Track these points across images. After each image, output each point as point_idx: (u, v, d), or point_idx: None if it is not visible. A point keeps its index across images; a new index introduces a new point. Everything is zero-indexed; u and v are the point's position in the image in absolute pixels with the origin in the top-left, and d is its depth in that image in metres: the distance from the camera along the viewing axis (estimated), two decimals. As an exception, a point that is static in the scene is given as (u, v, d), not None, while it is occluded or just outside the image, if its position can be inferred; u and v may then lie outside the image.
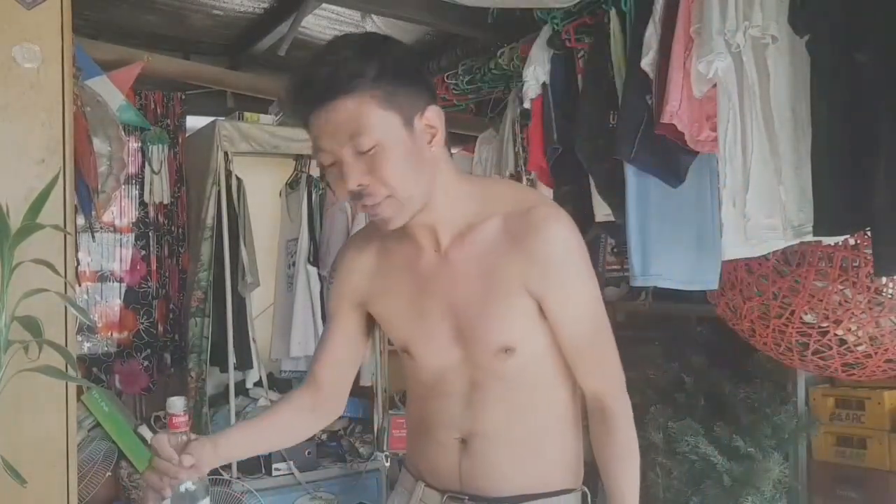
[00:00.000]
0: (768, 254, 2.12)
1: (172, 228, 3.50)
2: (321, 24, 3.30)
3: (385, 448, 3.38)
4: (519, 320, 1.18)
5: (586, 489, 1.29)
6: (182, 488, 1.14)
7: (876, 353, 2.17)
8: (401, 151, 1.08)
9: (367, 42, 1.09)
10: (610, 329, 1.23)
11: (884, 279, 2.08)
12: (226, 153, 3.14)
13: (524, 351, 1.19)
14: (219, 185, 3.14)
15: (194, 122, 3.57)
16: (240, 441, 1.29)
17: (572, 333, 1.20)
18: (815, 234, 1.81)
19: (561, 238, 1.15)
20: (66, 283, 1.80)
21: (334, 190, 1.13)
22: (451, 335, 1.21)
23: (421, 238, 1.21)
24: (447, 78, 3.25)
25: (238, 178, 3.30)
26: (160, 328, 3.44)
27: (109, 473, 2.94)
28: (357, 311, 1.32)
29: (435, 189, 1.15)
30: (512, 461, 1.23)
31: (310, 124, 1.09)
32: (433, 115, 1.13)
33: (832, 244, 2.08)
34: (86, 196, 2.44)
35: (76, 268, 2.74)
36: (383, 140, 1.06)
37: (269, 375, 3.45)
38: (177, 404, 1.16)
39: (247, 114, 3.27)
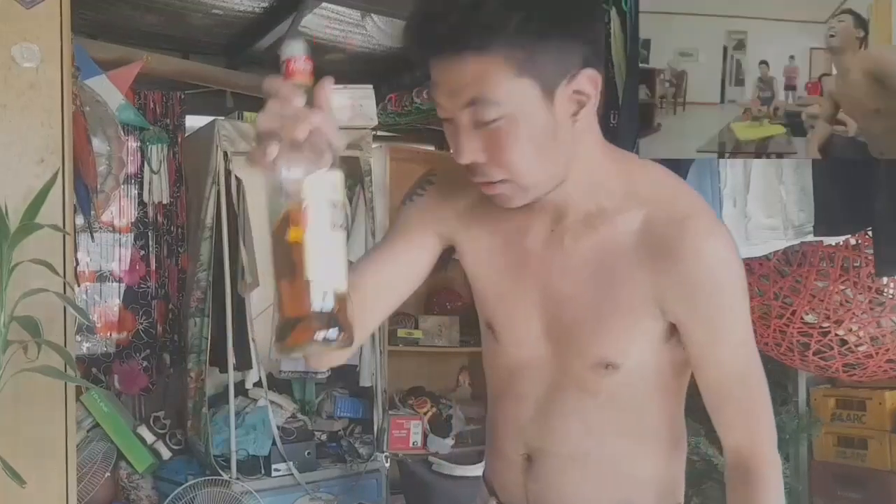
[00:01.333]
0: (769, 254, 2.12)
1: (172, 228, 3.49)
2: (321, 23, 3.29)
3: (385, 449, 3.37)
4: (635, 338, 0.98)
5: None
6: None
7: (877, 354, 2.17)
8: (531, 129, 0.87)
9: None
10: (763, 376, 1.01)
11: (885, 279, 2.08)
12: (225, 153, 3.13)
13: (629, 371, 0.99)
14: (218, 184, 3.13)
15: (194, 121, 3.56)
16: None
17: (715, 375, 0.99)
18: (816, 233, 1.81)
19: (721, 260, 0.95)
20: (64, 283, 1.80)
21: (452, 151, 0.92)
22: (541, 329, 1.02)
23: (538, 210, 0.99)
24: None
25: (238, 178, 3.30)
26: (159, 328, 3.44)
27: (108, 473, 2.94)
28: (436, 241, 1.07)
29: (571, 169, 0.93)
30: (591, 489, 1.05)
31: (431, 66, 0.88)
32: (586, 81, 0.88)
33: (833, 244, 2.08)
34: (85, 196, 2.44)
35: (75, 268, 2.73)
36: (512, 113, 0.86)
37: (269, 376, 3.44)
38: (295, 47, 0.87)
39: (246, 113, 3.26)
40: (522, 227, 1.01)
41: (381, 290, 1.06)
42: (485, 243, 1.05)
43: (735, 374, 0.99)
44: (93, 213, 2.79)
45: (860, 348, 2.18)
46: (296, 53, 0.88)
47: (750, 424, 1.02)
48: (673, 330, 0.98)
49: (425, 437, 3.64)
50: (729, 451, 1.03)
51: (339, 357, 1.07)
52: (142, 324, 3.40)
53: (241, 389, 3.28)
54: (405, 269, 1.08)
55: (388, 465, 3.38)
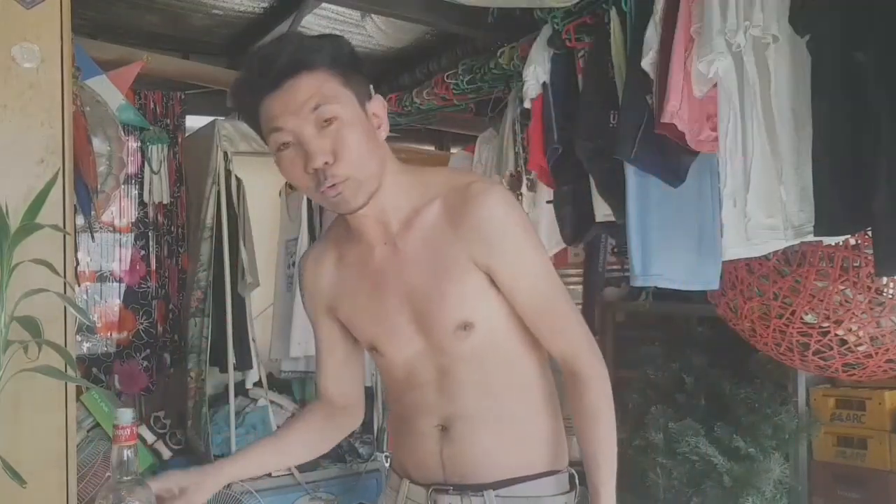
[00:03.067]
0: (769, 254, 2.12)
1: (172, 228, 3.49)
2: (321, 23, 3.29)
3: (385, 448, 3.37)
4: (473, 295, 1.18)
5: (573, 470, 1.27)
6: None
7: (877, 354, 2.17)
8: (360, 129, 1.12)
9: (312, 34, 1.18)
10: (566, 292, 1.23)
11: (884, 279, 2.08)
12: (225, 153, 3.14)
13: (483, 326, 1.19)
14: (218, 184, 3.14)
15: (194, 121, 3.57)
16: (254, 463, 1.32)
17: (526, 300, 1.20)
18: (816, 234, 1.81)
19: (499, 208, 1.16)
20: (65, 283, 1.80)
21: (290, 175, 1.14)
22: (411, 325, 1.22)
23: (371, 232, 1.22)
24: (447, 78, 3.25)
25: (238, 178, 3.30)
26: (160, 328, 3.44)
27: (109, 474, 2.94)
28: (333, 318, 1.33)
29: (385, 173, 1.17)
30: (492, 443, 1.22)
31: (264, 108, 1.10)
32: (378, 105, 1.17)
33: (833, 244, 2.08)
34: (85, 196, 2.44)
35: (75, 268, 2.74)
36: (344, 115, 1.10)
37: (269, 375, 3.45)
38: (124, 416, 1.13)
39: (247, 113, 3.26)
40: (366, 255, 1.24)
41: (343, 375, 1.38)
42: (348, 288, 1.28)
43: (541, 294, 1.20)
44: (93, 213, 2.79)
45: (860, 348, 2.18)
46: (123, 422, 1.11)
47: (566, 334, 1.22)
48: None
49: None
50: (560, 363, 1.24)
51: (349, 430, 1.46)
52: (142, 324, 3.40)
53: (241, 389, 3.29)
54: (341, 350, 1.36)
55: (388, 464, 3.37)
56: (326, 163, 1.09)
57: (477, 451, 1.22)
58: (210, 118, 3.32)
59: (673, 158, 2.01)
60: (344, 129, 1.09)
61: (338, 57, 1.12)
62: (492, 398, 1.22)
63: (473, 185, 1.18)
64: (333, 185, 1.10)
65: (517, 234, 1.18)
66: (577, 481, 1.26)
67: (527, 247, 1.19)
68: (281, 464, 1.49)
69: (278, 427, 3.19)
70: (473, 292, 1.18)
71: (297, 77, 1.08)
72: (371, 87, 1.18)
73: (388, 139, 1.21)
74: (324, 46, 1.11)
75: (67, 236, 1.85)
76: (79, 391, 2.73)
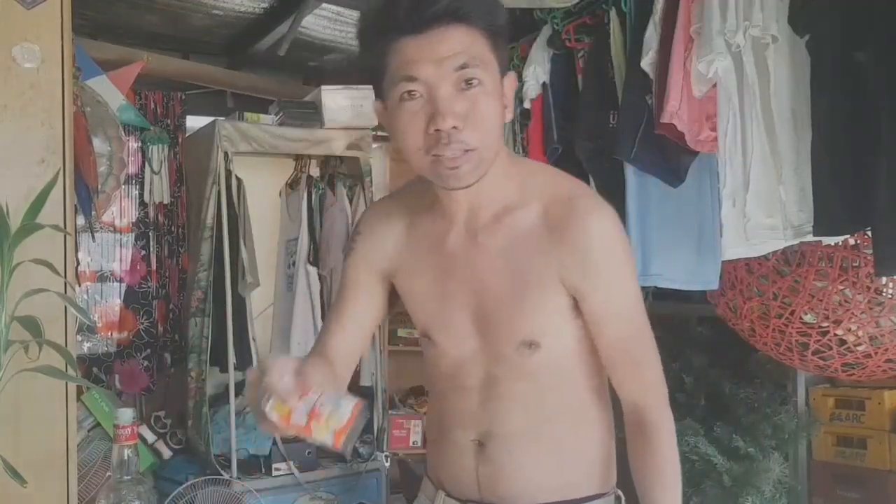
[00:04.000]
0: (768, 254, 2.12)
1: (172, 228, 3.50)
2: (321, 23, 3.30)
3: (385, 448, 3.38)
4: (548, 315, 1.09)
5: (619, 492, 1.18)
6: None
7: (876, 353, 2.17)
8: (497, 100, 1.02)
9: None
10: (652, 335, 1.13)
11: (884, 279, 2.08)
12: (226, 153, 3.14)
13: (550, 348, 1.10)
14: (219, 185, 3.13)
15: (194, 122, 3.57)
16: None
17: (611, 334, 1.10)
18: (816, 234, 1.81)
19: (604, 231, 1.07)
20: (65, 283, 1.80)
21: (405, 129, 1.01)
22: (471, 323, 1.12)
23: (455, 213, 1.11)
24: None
25: (238, 178, 3.30)
26: (160, 328, 3.44)
27: (109, 474, 2.94)
28: (380, 281, 1.21)
29: (496, 159, 1.06)
30: (533, 466, 1.13)
31: (400, 49, 0.99)
32: (511, 84, 1.07)
33: (832, 244, 2.08)
34: (85, 196, 2.44)
35: (76, 268, 2.74)
36: (487, 82, 0.99)
37: (269, 375, 3.44)
38: (124, 416, 1.15)
39: (247, 114, 3.27)
40: (441, 234, 1.13)
41: (354, 339, 1.23)
42: (414, 262, 1.17)
43: (627, 331, 1.11)
44: (94, 213, 2.80)
45: (859, 348, 2.18)
46: (123, 421, 1.13)
47: (643, 378, 1.13)
48: (577, 305, 1.10)
49: (425, 436, 3.65)
50: (626, 405, 1.14)
51: None
52: (142, 323, 3.40)
53: (241, 389, 3.28)
54: (370, 312, 1.24)
55: (388, 464, 3.38)
56: (455, 127, 0.98)
57: (516, 473, 1.13)
58: (210, 118, 3.32)
59: (673, 158, 2.01)
60: (483, 95, 0.99)
61: (495, 18, 1.01)
62: (537, 418, 1.13)
63: (581, 200, 1.08)
64: (453, 154, 0.99)
65: (619, 264, 1.09)
66: (623, 503, 1.18)
67: (625, 279, 1.10)
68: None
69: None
70: (551, 311, 1.09)
71: (450, 27, 0.97)
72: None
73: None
74: (484, 3, 1.00)
75: (68, 236, 1.85)
76: (79, 391, 2.73)
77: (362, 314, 1.23)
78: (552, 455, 1.14)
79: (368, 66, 1.05)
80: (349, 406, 0.95)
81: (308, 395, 0.92)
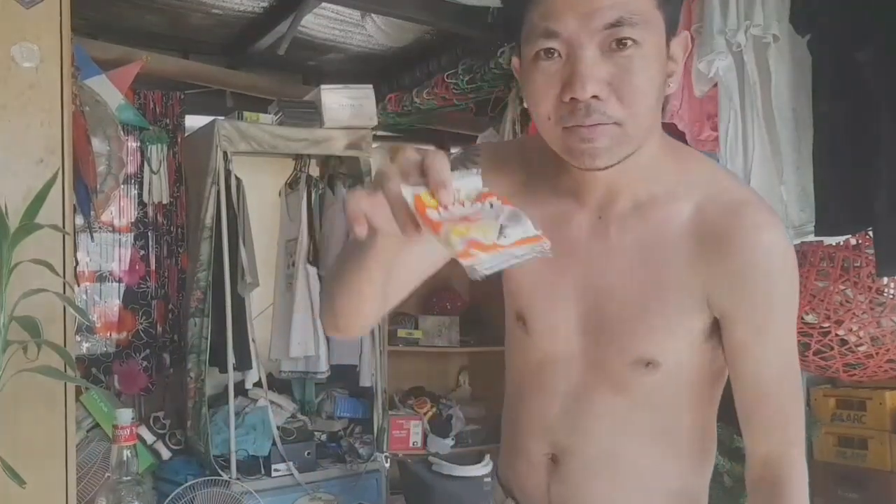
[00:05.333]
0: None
1: (171, 228, 3.49)
2: (321, 23, 3.29)
3: (385, 449, 3.37)
4: (680, 334, 0.93)
5: None
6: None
7: (877, 354, 2.16)
8: (654, 68, 0.83)
9: None
10: (800, 382, 0.97)
11: (885, 279, 2.08)
12: (225, 153, 3.13)
13: (667, 370, 0.94)
14: (218, 184, 3.13)
15: (193, 121, 3.57)
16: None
17: (756, 372, 0.93)
18: (817, 233, 1.81)
19: (777, 252, 0.89)
20: (64, 284, 1.80)
21: (536, 91, 0.84)
22: (578, 321, 0.96)
23: (587, 194, 0.93)
24: (447, 77, 3.25)
25: (237, 178, 3.30)
26: (159, 328, 3.44)
27: (108, 474, 2.93)
28: None
29: (647, 140, 0.87)
30: (618, 495, 0.99)
31: None
32: (680, 47, 0.87)
33: (833, 244, 2.08)
34: (84, 196, 2.44)
35: (75, 268, 2.73)
36: (646, 43, 0.81)
37: (269, 376, 3.44)
38: (123, 416, 1.06)
39: (246, 113, 3.26)
40: (567, 214, 0.95)
41: (405, 286, 0.96)
42: None
43: (777, 375, 0.93)
44: (92, 213, 2.80)
45: (860, 348, 2.18)
46: (123, 422, 1.07)
47: (787, 428, 0.95)
48: (715, 327, 0.93)
49: (425, 437, 3.65)
50: (755, 458, 0.97)
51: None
52: (142, 324, 3.40)
53: (240, 389, 3.29)
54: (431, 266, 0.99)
55: (388, 465, 3.38)
56: (596, 96, 0.80)
57: (592, 499, 0.99)
58: (209, 118, 3.31)
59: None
60: (639, 60, 0.80)
61: None
62: (626, 444, 0.98)
63: (749, 207, 0.89)
64: (593, 125, 0.81)
65: (784, 291, 0.91)
66: None
67: (787, 310, 0.93)
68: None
69: (278, 427, 3.19)
70: (682, 331, 0.92)
71: None
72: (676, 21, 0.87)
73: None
74: None
75: (67, 236, 1.84)
76: (78, 391, 2.73)
77: (428, 264, 0.96)
78: (635, 483, 0.99)
79: (506, 14, 0.93)
80: (530, 228, 0.67)
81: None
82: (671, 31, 0.85)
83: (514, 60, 0.92)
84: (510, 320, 1.05)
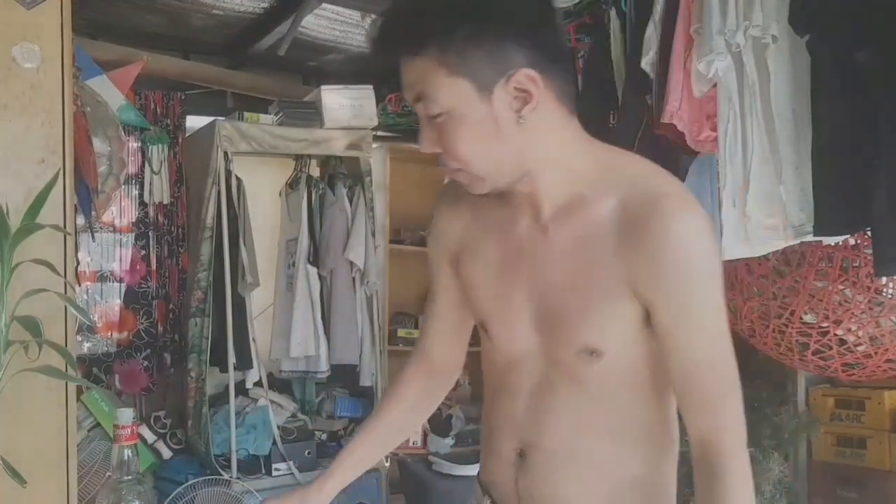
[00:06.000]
0: (768, 254, 2.12)
1: (172, 228, 3.49)
2: (321, 23, 3.29)
3: (385, 448, 3.37)
4: (616, 323, 0.98)
5: None
6: None
7: (876, 353, 2.17)
8: (471, 125, 0.92)
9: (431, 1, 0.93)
10: (734, 366, 1.00)
11: (884, 279, 2.09)
12: (226, 153, 3.14)
13: (612, 358, 0.99)
14: (219, 185, 3.13)
15: (194, 121, 3.57)
16: (356, 464, 1.19)
17: (685, 356, 0.97)
18: (816, 234, 1.81)
19: (692, 238, 0.94)
20: (65, 283, 1.80)
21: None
22: (532, 320, 1.03)
23: (520, 204, 1.03)
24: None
25: (238, 178, 3.30)
26: (160, 328, 3.44)
27: (109, 474, 2.94)
28: (455, 271, 1.15)
29: (536, 159, 0.96)
30: (580, 489, 1.04)
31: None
32: (525, 79, 0.92)
33: (832, 244, 2.08)
34: (85, 196, 2.44)
35: (76, 268, 2.74)
36: (452, 108, 0.92)
37: (269, 375, 3.44)
38: (123, 416, 1.14)
39: (247, 114, 3.27)
40: (508, 222, 1.05)
41: (451, 332, 1.22)
42: (478, 247, 1.09)
43: (703, 359, 0.97)
44: (93, 213, 2.80)
45: (859, 348, 2.18)
46: (123, 421, 1.10)
47: (716, 413, 0.99)
48: (649, 314, 0.98)
49: (425, 436, 3.65)
50: (694, 440, 1.00)
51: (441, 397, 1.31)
52: (142, 324, 3.40)
53: (241, 389, 3.29)
54: (458, 303, 1.17)
55: (387, 464, 3.38)
56: (433, 152, 0.96)
57: (558, 493, 1.04)
58: (210, 118, 3.32)
59: (672, 158, 2.01)
60: (449, 123, 0.93)
61: (454, 38, 0.89)
62: (590, 437, 1.03)
63: (667, 199, 0.94)
64: (449, 171, 0.97)
65: (703, 275, 0.95)
66: None
67: (708, 293, 0.96)
68: (392, 445, 1.28)
69: (279, 427, 3.19)
70: (617, 320, 0.98)
71: (406, 59, 0.93)
72: (528, 56, 0.92)
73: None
74: (436, 26, 0.90)
75: (68, 236, 1.85)
76: (79, 391, 2.73)
77: (452, 308, 1.19)
78: (595, 478, 1.04)
79: None
80: None
81: None
82: (492, 82, 0.91)
83: None
84: (479, 330, 1.14)
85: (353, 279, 3.38)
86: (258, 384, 3.34)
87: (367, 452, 1.21)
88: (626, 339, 0.99)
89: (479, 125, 0.93)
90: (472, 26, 0.90)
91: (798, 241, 1.90)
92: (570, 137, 1.00)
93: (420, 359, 1.27)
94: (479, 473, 1.19)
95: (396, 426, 1.25)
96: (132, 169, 3.32)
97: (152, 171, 3.40)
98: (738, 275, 2.32)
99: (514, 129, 0.94)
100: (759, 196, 1.87)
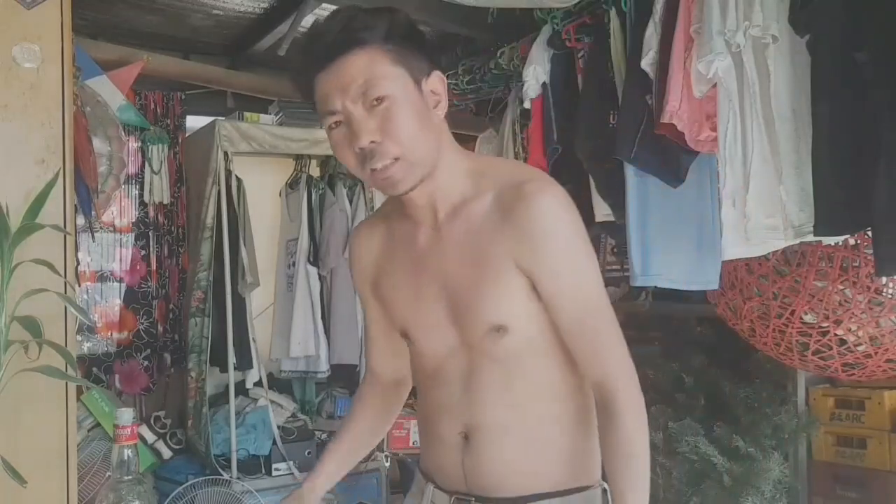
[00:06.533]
0: (768, 254, 2.12)
1: (172, 228, 3.50)
2: (321, 23, 3.29)
3: (385, 448, 3.38)
4: (511, 298, 1.11)
5: (606, 485, 1.16)
6: None
7: (876, 353, 2.17)
8: (412, 108, 1.07)
9: (373, 6, 1.09)
10: (612, 314, 1.13)
11: (884, 279, 2.08)
12: (226, 153, 3.14)
13: (518, 331, 1.13)
14: (219, 185, 3.14)
15: (194, 122, 3.57)
16: (335, 469, 1.33)
17: (566, 314, 1.11)
18: (816, 234, 1.81)
19: (550, 210, 1.09)
20: (65, 283, 1.80)
21: (340, 154, 1.11)
22: (446, 316, 1.17)
23: (419, 213, 1.18)
24: (447, 78, 3.24)
25: (238, 178, 3.31)
26: (160, 328, 3.44)
27: (109, 474, 2.94)
28: (377, 296, 1.30)
29: (440, 157, 1.12)
30: (515, 456, 1.15)
31: (318, 84, 1.08)
32: (437, 82, 1.12)
33: (832, 244, 2.08)
34: (85, 196, 2.44)
35: (76, 268, 2.74)
36: (395, 94, 1.05)
37: (269, 375, 3.45)
38: (123, 416, 1.17)
39: (247, 114, 3.27)
40: (412, 235, 1.19)
41: (390, 353, 1.35)
42: (390, 267, 1.24)
43: (581, 310, 1.11)
44: (94, 213, 2.80)
45: (859, 348, 2.18)
46: (123, 422, 1.14)
47: (604, 358, 1.12)
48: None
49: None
50: (593, 390, 1.14)
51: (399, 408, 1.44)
52: (142, 324, 3.41)
53: (241, 389, 3.29)
54: (388, 327, 1.31)
55: (387, 464, 3.38)
56: (373, 141, 1.05)
57: (498, 465, 1.16)
58: (210, 118, 3.32)
59: (672, 158, 2.01)
60: (393, 107, 1.05)
61: (392, 33, 1.07)
62: (518, 408, 1.15)
63: (529, 183, 1.11)
64: (383, 165, 1.07)
65: (565, 240, 1.10)
66: (609, 497, 1.13)
67: (573, 255, 1.11)
68: (357, 460, 1.41)
69: (279, 427, 3.19)
70: (511, 295, 1.11)
71: (347, 55, 1.05)
72: (433, 61, 1.13)
73: None
74: (377, 23, 1.07)
75: (68, 236, 1.85)
76: (79, 391, 2.73)
77: (384, 332, 1.33)
78: (535, 444, 1.16)
79: (311, 107, 1.13)
80: None
81: None
82: (420, 76, 1.09)
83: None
84: (402, 336, 1.26)
85: (353, 279, 3.39)
86: (258, 384, 3.34)
87: (345, 463, 1.35)
88: (526, 311, 1.12)
89: (417, 110, 1.08)
90: (399, 32, 1.08)
91: (798, 241, 1.90)
92: (454, 145, 1.17)
93: (370, 379, 1.41)
94: (419, 464, 1.30)
95: (361, 441, 1.39)
96: (132, 169, 3.32)
97: (152, 171, 3.40)
98: (738, 275, 2.32)
99: (434, 123, 1.11)
100: (759, 196, 1.86)
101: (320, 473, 1.31)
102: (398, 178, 1.08)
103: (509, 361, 1.14)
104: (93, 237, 3.24)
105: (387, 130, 1.05)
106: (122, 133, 2.96)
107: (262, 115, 3.30)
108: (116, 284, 3.40)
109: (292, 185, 3.63)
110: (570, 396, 1.18)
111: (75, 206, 2.08)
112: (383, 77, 1.05)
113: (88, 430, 3.01)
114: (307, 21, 3.16)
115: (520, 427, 1.15)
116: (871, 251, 1.89)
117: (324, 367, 3.42)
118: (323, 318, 3.44)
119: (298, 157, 3.57)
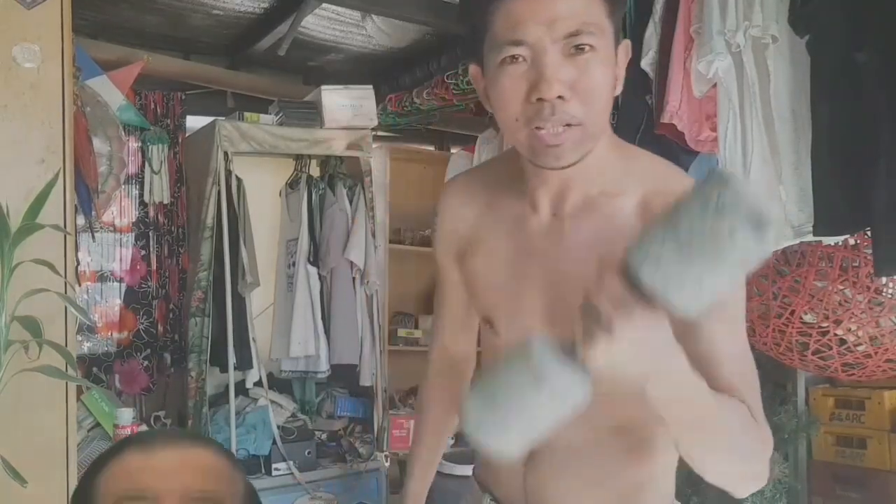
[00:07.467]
0: (768, 254, 2.12)
1: (172, 228, 3.50)
2: (321, 23, 3.30)
3: (385, 448, 3.38)
4: None
5: None
6: None
7: (876, 353, 2.17)
8: (609, 72, 0.91)
9: None
10: (752, 358, 0.98)
11: (884, 279, 2.08)
12: (226, 153, 3.14)
13: None
14: (219, 184, 3.14)
15: (194, 122, 3.57)
16: (427, 474, 1.34)
17: (707, 352, 0.93)
18: (816, 234, 1.81)
19: None
20: (66, 283, 1.80)
21: (503, 97, 0.91)
22: (543, 314, 1.01)
23: (541, 195, 1.00)
24: (447, 78, 3.25)
25: (238, 178, 3.30)
26: (160, 328, 3.44)
27: (109, 473, 2.93)
28: (460, 267, 1.14)
29: (601, 138, 0.95)
30: (585, 484, 1.03)
31: (507, 8, 0.89)
32: (624, 53, 0.95)
33: (832, 244, 2.08)
34: (85, 196, 2.44)
35: (76, 268, 2.74)
36: (600, 49, 0.89)
37: (269, 375, 3.45)
38: (124, 416, 1.19)
39: (247, 114, 3.27)
40: (522, 216, 1.03)
41: (465, 325, 1.24)
42: (486, 244, 1.07)
43: (727, 350, 0.95)
44: (94, 213, 2.80)
45: (859, 348, 2.18)
46: (123, 422, 1.01)
47: (744, 394, 0.95)
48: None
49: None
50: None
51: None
52: (142, 323, 3.40)
53: (241, 389, 3.29)
54: (467, 297, 1.15)
55: (388, 464, 3.38)
56: (560, 97, 0.87)
57: (563, 492, 1.03)
58: (210, 118, 3.32)
59: (672, 158, 2.00)
60: (595, 63, 0.88)
61: None
62: (594, 433, 1.01)
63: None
64: (556, 129, 0.89)
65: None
66: None
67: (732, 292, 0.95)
68: (444, 446, 1.40)
69: (279, 427, 3.20)
70: None
71: None
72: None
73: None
74: None
75: (68, 236, 1.85)
76: (79, 391, 2.73)
77: (462, 302, 1.18)
78: (604, 472, 1.03)
79: (468, 24, 0.95)
80: None
81: None
82: (617, 40, 0.93)
83: (473, 68, 0.98)
84: (482, 326, 1.12)
85: (353, 279, 3.39)
86: (258, 384, 3.34)
87: (437, 453, 1.36)
88: None
89: (610, 76, 0.91)
90: None
91: (798, 241, 1.90)
92: (610, 130, 0.99)
93: (439, 356, 1.30)
94: (475, 472, 1.19)
95: (445, 431, 1.37)
96: (132, 169, 3.32)
97: (152, 171, 3.40)
98: (738, 275, 2.32)
99: (613, 96, 0.93)
100: (759, 196, 1.87)
101: (418, 478, 1.32)
102: (567, 148, 0.90)
103: (603, 383, 0.97)
104: (93, 237, 3.24)
105: (579, 87, 0.88)
106: (122, 133, 2.96)
107: (262, 115, 3.29)
108: (116, 284, 3.39)
109: (292, 185, 3.63)
110: (654, 432, 1.03)
111: (75, 206, 2.09)
112: (597, 26, 0.88)
113: (88, 430, 3.00)
114: (307, 21, 3.16)
115: (596, 455, 1.03)
116: (870, 251, 1.89)
117: (324, 367, 3.42)
118: (323, 318, 3.44)
119: (298, 157, 3.57)
